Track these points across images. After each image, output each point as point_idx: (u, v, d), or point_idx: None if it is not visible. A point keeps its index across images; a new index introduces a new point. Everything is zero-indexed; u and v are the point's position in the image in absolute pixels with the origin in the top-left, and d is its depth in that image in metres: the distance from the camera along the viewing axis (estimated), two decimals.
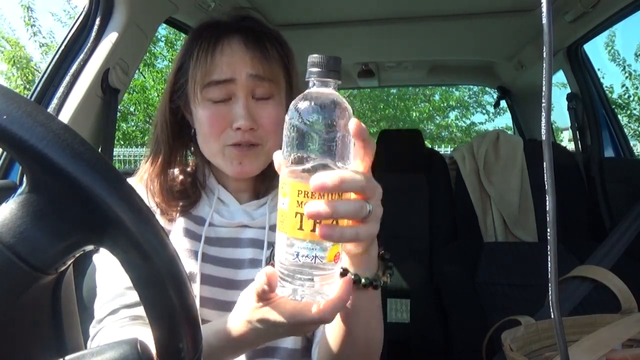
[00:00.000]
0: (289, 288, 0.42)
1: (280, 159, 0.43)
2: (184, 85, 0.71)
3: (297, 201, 0.40)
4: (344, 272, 0.49)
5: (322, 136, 0.39)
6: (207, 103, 0.67)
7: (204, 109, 0.67)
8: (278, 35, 0.73)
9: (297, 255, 0.40)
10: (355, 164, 0.43)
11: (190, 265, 0.69)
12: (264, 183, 0.73)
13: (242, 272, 0.70)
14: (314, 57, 0.41)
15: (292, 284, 0.42)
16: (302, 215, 0.40)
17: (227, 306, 0.68)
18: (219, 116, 0.67)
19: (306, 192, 0.39)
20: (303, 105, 0.40)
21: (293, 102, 0.41)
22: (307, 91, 0.42)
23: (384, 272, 0.53)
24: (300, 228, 0.40)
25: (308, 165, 0.39)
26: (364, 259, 0.49)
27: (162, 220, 0.72)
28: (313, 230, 0.40)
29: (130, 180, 0.75)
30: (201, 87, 0.67)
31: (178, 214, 0.72)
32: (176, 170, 0.74)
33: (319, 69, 0.41)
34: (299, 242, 0.40)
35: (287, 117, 0.41)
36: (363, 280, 0.50)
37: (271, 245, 0.70)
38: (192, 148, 0.76)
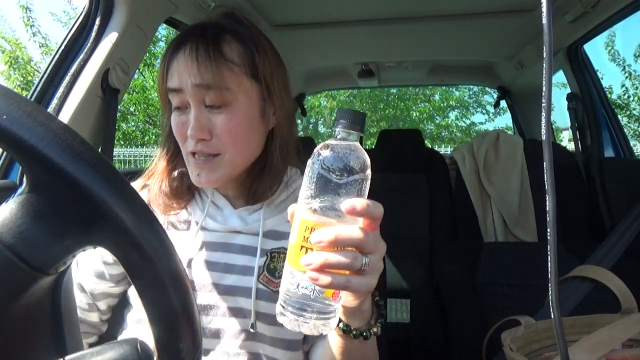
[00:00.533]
0: (289, 317, 0.44)
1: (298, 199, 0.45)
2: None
3: (304, 236, 0.43)
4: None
5: (336, 181, 0.43)
6: (173, 111, 0.68)
7: (172, 116, 0.68)
8: (239, 32, 0.68)
9: (298, 286, 0.43)
10: (360, 219, 0.45)
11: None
12: (259, 189, 0.71)
13: (230, 277, 0.69)
14: (341, 111, 0.46)
15: (292, 313, 0.44)
16: (307, 249, 0.43)
17: (217, 310, 0.68)
18: (179, 124, 0.66)
19: (312, 229, 0.42)
20: (324, 150, 0.44)
21: (318, 146, 0.45)
22: (331, 139, 0.46)
23: (376, 321, 0.53)
24: None
25: (317, 205, 0.43)
26: (358, 310, 0.51)
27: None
28: None
29: (136, 183, 0.76)
30: (164, 94, 0.67)
31: (171, 215, 0.73)
32: (176, 173, 0.74)
33: (344, 121, 0.45)
34: (300, 274, 0.43)
35: (310, 159, 0.45)
36: (354, 332, 0.51)
37: (265, 252, 0.70)
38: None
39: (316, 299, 0.43)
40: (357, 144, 0.45)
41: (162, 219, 0.73)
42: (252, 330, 0.66)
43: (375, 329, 0.52)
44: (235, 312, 0.68)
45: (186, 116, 0.66)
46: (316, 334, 0.45)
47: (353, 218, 0.43)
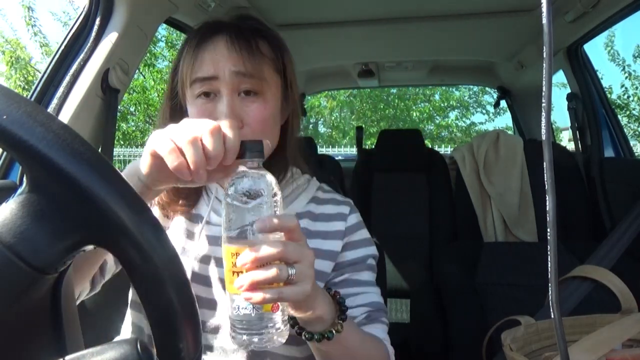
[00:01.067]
0: (239, 338, 0.48)
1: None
2: (177, 83, 0.71)
3: (232, 262, 0.46)
4: (299, 331, 0.56)
5: (246, 207, 0.47)
6: (195, 100, 0.67)
7: (192, 107, 0.68)
8: (271, 34, 0.71)
9: (238, 308, 0.47)
10: (280, 234, 0.49)
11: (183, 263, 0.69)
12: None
13: None
14: (242, 142, 0.51)
15: (241, 334, 0.47)
16: (238, 273, 0.46)
17: (215, 305, 0.69)
18: (204, 113, 0.66)
19: (237, 254, 0.46)
20: (232, 182, 0.48)
21: (229, 178, 0.49)
22: (238, 169, 0.50)
23: (338, 318, 0.56)
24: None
25: (235, 233, 0.47)
26: (313, 317, 0.53)
27: (160, 217, 0.73)
28: None
29: None
30: (188, 84, 0.67)
31: (178, 212, 0.73)
32: None
33: (243, 152, 0.50)
34: (237, 297, 0.47)
35: (224, 194, 0.49)
36: (316, 337, 0.55)
37: None
38: None
39: (258, 315, 0.47)
40: (261, 170, 0.50)
41: (163, 215, 0.74)
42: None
43: (337, 327, 0.55)
44: None
45: (213, 105, 0.66)
46: (271, 347, 0.49)
47: (273, 235, 0.47)
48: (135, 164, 0.55)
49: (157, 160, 0.49)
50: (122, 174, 0.55)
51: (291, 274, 0.46)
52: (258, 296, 0.45)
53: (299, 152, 0.76)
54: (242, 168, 0.50)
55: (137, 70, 1.65)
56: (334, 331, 0.54)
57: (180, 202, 0.73)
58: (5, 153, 1.00)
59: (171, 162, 0.47)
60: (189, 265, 0.69)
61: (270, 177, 0.49)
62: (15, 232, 0.31)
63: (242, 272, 0.46)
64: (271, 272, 0.45)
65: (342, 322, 0.55)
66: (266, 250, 0.45)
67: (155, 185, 0.55)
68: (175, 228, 0.72)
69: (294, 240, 0.49)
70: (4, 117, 0.28)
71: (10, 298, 0.31)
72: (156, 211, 0.73)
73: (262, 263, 0.45)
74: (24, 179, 0.32)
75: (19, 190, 0.32)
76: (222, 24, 0.68)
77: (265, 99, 0.67)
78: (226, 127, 0.50)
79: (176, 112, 0.73)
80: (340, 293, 0.62)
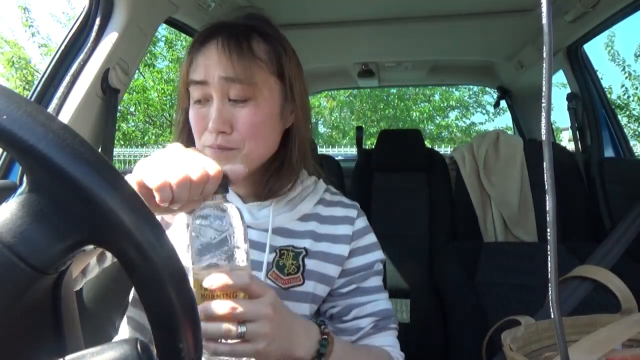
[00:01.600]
0: None
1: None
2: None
3: (201, 294, 0.49)
4: None
5: (212, 241, 0.49)
6: (193, 105, 0.68)
7: (191, 110, 0.68)
8: (269, 33, 0.70)
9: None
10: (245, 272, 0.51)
11: (187, 260, 0.69)
12: (275, 186, 0.72)
13: None
14: None
15: None
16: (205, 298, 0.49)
17: None
18: (199, 117, 0.67)
19: (201, 285, 0.48)
20: (195, 217, 0.50)
21: (192, 214, 0.51)
22: (202, 203, 0.52)
23: (321, 347, 0.57)
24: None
25: (203, 265, 0.49)
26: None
27: (167, 215, 0.73)
28: None
29: None
30: (185, 86, 0.68)
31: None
32: None
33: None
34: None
35: (189, 228, 0.51)
36: None
37: (274, 249, 0.70)
38: None
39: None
40: (224, 204, 0.52)
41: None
42: None
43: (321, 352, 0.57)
44: None
45: (207, 109, 0.66)
46: None
47: (241, 264, 0.50)
48: None
49: (144, 189, 0.49)
50: None
51: (241, 332, 0.48)
52: (211, 347, 0.48)
53: (310, 153, 0.76)
54: (207, 202, 0.51)
55: (137, 70, 1.65)
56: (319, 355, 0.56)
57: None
58: (5, 153, 1.00)
59: (161, 197, 0.48)
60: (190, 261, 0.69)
61: (233, 211, 0.51)
62: (15, 232, 0.31)
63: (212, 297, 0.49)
64: (219, 330, 0.48)
65: (324, 342, 0.56)
66: (215, 309, 0.47)
67: None
68: (180, 223, 0.73)
69: (251, 296, 0.50)
70: (4, 117, 0.28)
71: (10, 298, 0.31)
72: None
73: (211, 320, 0.48)
74: (24, 179, 0.32)
75: (19, 190, 0.32)
76: (220, 26, 0.68)
77: (256, 104, 0.66)
78: (211, 168, 0.50)
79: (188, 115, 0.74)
80: (347, 305, 0.63)
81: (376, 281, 0.76)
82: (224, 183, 0.51)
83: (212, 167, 0.50)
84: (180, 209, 0.53)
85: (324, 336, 0.56)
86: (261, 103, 0.66)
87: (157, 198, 0.47)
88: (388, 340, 0.71)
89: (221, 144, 0.65)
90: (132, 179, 0.49)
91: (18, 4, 7.45)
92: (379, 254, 0.78)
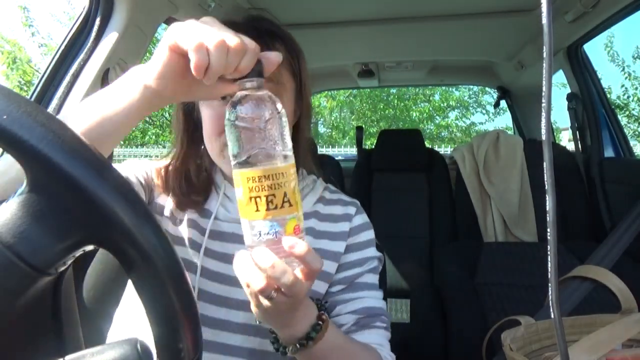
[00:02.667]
0: None
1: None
2: None
3: (248, 187, 0.45)
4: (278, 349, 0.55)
5: (257, 128, 0.45)
6: (210, 102, 0.67)
7: (208, 108, 0.68)
8: (287, 35, 0.72)
9: (260, 234, 0.46)
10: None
11: (191, 257, 0.70)
12: None
13: None
14: None
15: None
16: (255, 198, 0.45)
17: (224, 301, 0.69)
18: (220, 115, 0.66)
19: (253, 178, 0.45)
20: (237, 105, 0.46)
21: (229, 104, 0.47)
22: (238, 92, 0.48)
23: (313, 328, 0.55)
24: (257, 210, 0.45)
25: (244, 158, 0.45)
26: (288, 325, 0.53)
27: (175, 210, 0.73)
28: (268, 209, 0.45)
29: (153, 163, 0.78)
30: None
31: (191, 206, 0.73)
32: (193, 166, 0.75)
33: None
34: (258, 222, 0.46)
35: (225, 118, 0.46)
36: (290, 348, 0.54)
37: None
38: (203, 146, 0.77)
39: (280, 240, 0.46)
40: (261, 91, 0.48)
41: (175, 208, 0.74)
42: (257, 323, 0.66)
43: (303, 342, 0.54)
44: (242, 304, 0.68)
45: None
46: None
47: (290, 155, 0.47)
48: (137, 69, 0.51)
49: (176, 55, 0.46)
50: (121, 80, 0.52)
51: (271, 295, 0.47)
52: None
53: (309, 152, 0.77)
54: (242, 91, 0.48)
55: None
56: (298, 345, 0.54)
57: (192, 197, 0.73)
58: (5, 153, 1.00)
59: (197, 60, 0.44)
60: (196, 259, 0.70)
61: (273, 97, 0.47)
62: (15, 232, 0.31)
63: (259, 197, 0.45)
64: (282, 269, 0.45)
65: (319, 329, 0.55)
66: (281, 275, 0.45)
67: (164, 89, 0.50)
68: (188, 222, 0.73)
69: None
70: (4, 117, 0.28)
71: (10, 298, 0.31)
72: (170, 204, 0.73)
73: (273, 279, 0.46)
74: (24, 179, 0.32)
75: (19, 190, 0.32)
76: (239, 26, 0.67)
77: (282, 102, 0.67)
78: (248, 41, 0.47)
79: (189, 113, 0.74)
80: (333, 301, 0.62)
81: (369, 278, 0.74)
82: (258, 68, 0.48)
83: (249, 41, 0.47)
84: (215, 91, 0.50)
85: (319, 321, 0.55)
86: (285, 102, 0.68)
87: (193, 61, 0.44)
88: (372, 338, 0.68)
89: None
90: (164, 44, 0.46)
91: (18, 4, 7.45)
92: (374, 251, 0.77)
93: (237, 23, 0.69)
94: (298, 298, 0.48)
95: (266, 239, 0.46)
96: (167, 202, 0.73)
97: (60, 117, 0.50)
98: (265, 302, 0.47)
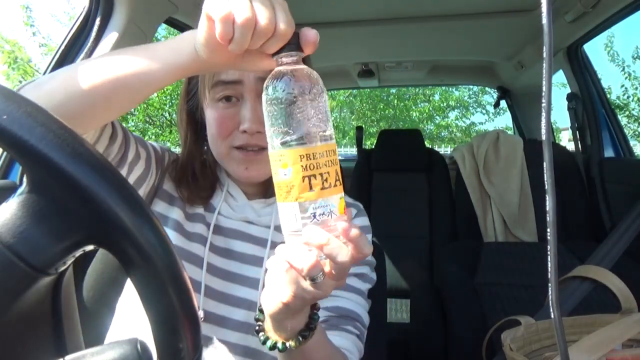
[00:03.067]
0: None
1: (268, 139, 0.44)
2: (195, 85, 0.71)
3: (302, 166, 0.42)
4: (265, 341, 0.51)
5: (307, 104, 0.42)
6: (216, 104, 0.67)
7: (212, 110, 0.68)
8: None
9: (314, 215, 0.42)
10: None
11: (197, 250, 0.70)
12: (272, 185, 0.73)
13: (245, 266, 0.71)
14: None
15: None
16: (309, 177, 0.42)
17: (225, 298, 0.69)
18: (226, 117, 0.66)
19: (308, 155, 0.42)
20: (278, 81, 0.43)
21: (268, 80, 0.44)
22: (277, 68, 0.45)
23: (307, 326, 0.51)
24: (311, 189, 0.42)
25: (295, 136, 0.42)
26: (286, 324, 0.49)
27: (183, 206, 0.74)
28: (323, 188, 0.42)
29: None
30: (210, 86, 0.67)
31: (198, 202, 0.74)
32: (198, 163, 0.75)
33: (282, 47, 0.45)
34: (313, 203, 0.42)
35: (264, 96, 0.43)
36: (279, 345, 0.50)
37: (275, 244, 0.71)
38: (205, 147, 0.77)
39: (335, 219, 0.43)
40: (299, 65, 0.45)
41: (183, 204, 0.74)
42: (256, 322, 0.66)
43: (299, 339, 0.51)
44: (242, 302, 0.68)
45: (234, 110, 0.66)
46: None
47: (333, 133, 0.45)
48: (192, 33, 0.50)
49: (212, 24, 0.45)
50: (174, 40, 0.52)
51: (320, 277, 0.43)
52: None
53: None
54: (281, 67, 0.45)
55: None
56: (287, 345, 0.50)
57: (198, 192, 0.74)
58: (5, 153, 1.00)
59: (221, 31, 0.43)
60: (201, 252, 0.70)
61: (312, 71, 0.45)
62: (15, 232, 0.31)
63: (314, 175, 0.42)
64: (310, 259, 0.42)
65: (311, 331, 0.51)
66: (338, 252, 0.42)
67: (209, 56, 0.48)
68: (196, 216, 0.73)
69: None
70: (4, 117, 0.28)
71: (10, 298, 0.31)
72: (177, 201, 0.74)
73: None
74: (24, 179, 0.32)
75: (19, 190, 0.32)
76: None
77: None
78: (283, 22, 0.44)
79: (193, 114, 0.74)
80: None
81: (352, 281, 0.71)
82: (294, 41, 0.45)
83: (284, 23, 0.44)
84: (259, 63, 0.48)
85: (315, 310, 0.53)
86: None
87: (218, 31, 0.43)
88: (341, 342, 0.64)
89: (256, 143, 0.66)
90: (203, 11, 0.45)
91: (20, 3, 7.46)
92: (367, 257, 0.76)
93: None
94: (342, 282, 0.45)
95: (322, 220, 0.42)
96: (175, 193, 0.74)
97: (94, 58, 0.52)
98: (308, 288, 0.43)
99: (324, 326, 0.65)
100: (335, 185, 0.43)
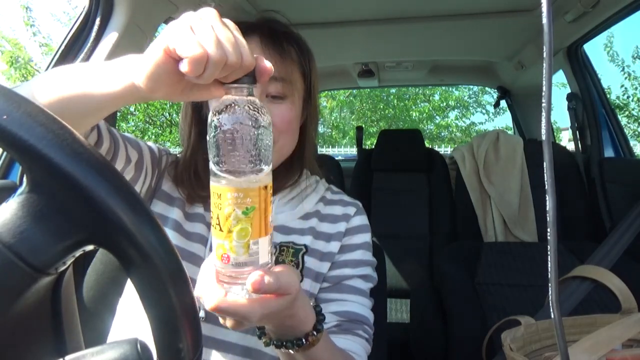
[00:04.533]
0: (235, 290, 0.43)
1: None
2: None
3: (215, 204, 0.41)
4: (268, 341, 0.52)
5: (236, 141, 0.40)
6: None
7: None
8: (298, 37, 0.74)
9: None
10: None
11: (197, 250, 0.70)
12: (279, 184, 0.74)
13: None
14: None
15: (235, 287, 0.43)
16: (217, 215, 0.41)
17: None
18: None
19: (219, 195, 0.41)
20: (218, 111, 0.41)
21: (213, 108, 0.42)
22: (223, 97, 0.43)
23: (314, 328, 0.51)
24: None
25: (222, 170, 0.40)
26: (286, 324, 0.50)
27: (184, 204, 0.74)
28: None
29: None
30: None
31: (199, 201, 0.74)
32: (201, 160, 0.75)
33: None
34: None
35: (208, 125, 0.42)
36: (286, 344, 0.51)
37: (273, 245, 0.71)
38: None
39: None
40: (250, 98, 0.42)
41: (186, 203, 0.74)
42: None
43: (311, 338, 0.51)
44: None
45: None
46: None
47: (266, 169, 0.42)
48: (126, 60, 0.47)
49: (171, 60, 0.41)
50: (109, 66, 0.48)
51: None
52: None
53: (313, 153, 0.78)
54: (229, 96, 0.42)
55: None
56: (304, 341, 0.51)
57: (199, 192, 0.74)
58: (5, 153, 1.00)
59: (193, 70, 0.39)
60: (203, 252, 0.70)
61: (261, 105, 0.42)
62: (15, 232, 0.31)
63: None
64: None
65: (316, 335, 0.52)
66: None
67: (151, 90, 0.45)
68: (196, 216, 0.74)
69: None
70: (4, 117, 0.28)
71: (10, 298, 0.31)
72: (177, 201, 0.74)
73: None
74: (24, 179, 0.32)
75: (19, 190, 0.32)
76: (254, 25, 0.70)
77: (292, 101, 0.69)
78: (246, 56, 0.42)
79: (198, 109, 0.75)
80: (318, 298, 0.60)
81: (359, 284, 0.72)
82: (251, 73, 0.43)
83: (248, 55, 0.41)
84: (194, 94, 0.47)
85: (320, 316, 0.53)
86: (295, 101, 0.70)
87: (187, 69, 0.39)
88: (353, 347, 0.65)
89: None
90: (158, 45, 0.41)
91: (20, 3, 7.47)
92: (369, 256, 0.76)
93: (252, 24, 0.70)
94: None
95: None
96: (174, 193, 0.74)
97: (31, 82, 0.49)
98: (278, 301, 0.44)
99: (335, 330, 0.67)
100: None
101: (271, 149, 0.43)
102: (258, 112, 0.41)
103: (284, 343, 0.51)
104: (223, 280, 0.43)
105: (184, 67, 0.39)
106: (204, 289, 0.43)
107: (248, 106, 0.41)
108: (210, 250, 0.70)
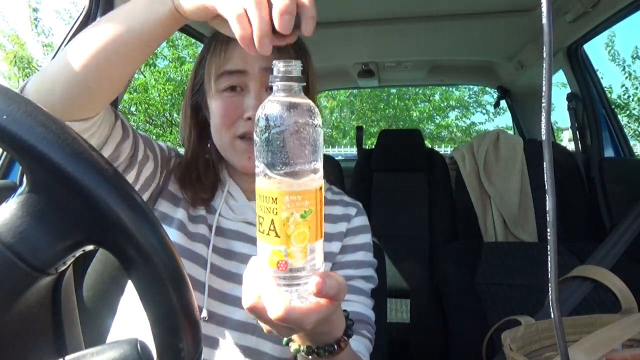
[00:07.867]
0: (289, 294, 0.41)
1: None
2: (202, 78, 0.72)
3: (268, 208, 0.40)
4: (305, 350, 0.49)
5: (294, 139, 0.39)
6: (220, 94, 0.68)
7: (217, 100, 0.69)
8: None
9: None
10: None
11: (200, 250, 0.70)
12: None
13: (245, 267, 0.70)
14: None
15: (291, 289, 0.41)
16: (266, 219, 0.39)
17: (226, 298, 0.69)
18: (230, 106, 0.68)
19: (274, 199, 0.39)
20: (263, 112, 0.40)
21: (266, 109, 0.40)
22: (272, 97, 0.41)
23: (344, 333, 0.50)
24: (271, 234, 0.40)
25: (279, 171, 0.39)
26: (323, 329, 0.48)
27: (187, 206, 0.74)
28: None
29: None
30: (215, 77, 0.68)
31: (200, 203, 0.74)
32: (202, 162, 0.76)
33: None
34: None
35: (256, 126, 0.40)
36: (319, 351, 0.49)
37: None
38: (209, 144, 0.77)
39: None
40: (296, 97, 0.41)
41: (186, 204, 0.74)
42: (255, 322, 0.66)
43: (342, 343, 0.50)
44: (241, 302, 0.68)
45: (239, 99, 0.68)
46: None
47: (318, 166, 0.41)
48: None
49: (212, 13, 0.47)
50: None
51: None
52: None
53: None
54: (279, 96, 0.41)
55: (137, 70, 1.65)
56: (335, 347, 0.49)
57: (200, 194, 0.74)
58: (5, 153, 1.00)
59: (239, 30, 0.44)
60: (205, 252, 0.70)
61: (310, 103, 0.41)
62: (15, 232, 0.31)
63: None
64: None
65: (346, 340, 0.51)
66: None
67: (192, 17, 0.50)
68: (199, 217, 0.74)
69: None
70: (4, 117, 0.28)
71: (10, 298, 0.31)
72: (182, 202, 0.74)
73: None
74: (24, 179, 0.32)
75: (19, 190, 0.32)
76: None
77: None
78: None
79: (197, 108, 0.75)
80: None
81: (361, 284, 0.73)
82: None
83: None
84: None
85: (349, 321, 0.52)
86: None
87: (236, 32, 0.45)
88: (357, 346, 0.65)
89: None
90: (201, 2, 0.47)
91: (28, 3, 7.49)
92: (370, 256, 0.76)
93: None
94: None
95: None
96: (180, 194, 0.74)
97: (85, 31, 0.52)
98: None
99: None
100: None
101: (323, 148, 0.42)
102: (312, 111, 0.40)
103: (315, 350, 0.49)
104: (279, 286, 0.41)
105: (235, 31, 0.44)
106: (267, 298, 0.40)
107: (303, 104, 0.40)
108: (212, 251, 0.71)
